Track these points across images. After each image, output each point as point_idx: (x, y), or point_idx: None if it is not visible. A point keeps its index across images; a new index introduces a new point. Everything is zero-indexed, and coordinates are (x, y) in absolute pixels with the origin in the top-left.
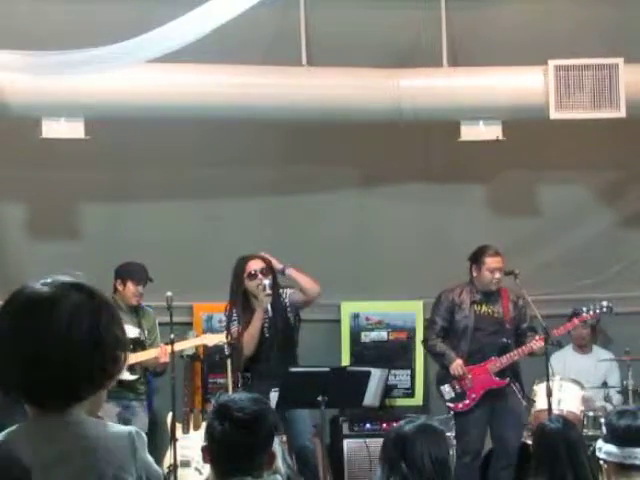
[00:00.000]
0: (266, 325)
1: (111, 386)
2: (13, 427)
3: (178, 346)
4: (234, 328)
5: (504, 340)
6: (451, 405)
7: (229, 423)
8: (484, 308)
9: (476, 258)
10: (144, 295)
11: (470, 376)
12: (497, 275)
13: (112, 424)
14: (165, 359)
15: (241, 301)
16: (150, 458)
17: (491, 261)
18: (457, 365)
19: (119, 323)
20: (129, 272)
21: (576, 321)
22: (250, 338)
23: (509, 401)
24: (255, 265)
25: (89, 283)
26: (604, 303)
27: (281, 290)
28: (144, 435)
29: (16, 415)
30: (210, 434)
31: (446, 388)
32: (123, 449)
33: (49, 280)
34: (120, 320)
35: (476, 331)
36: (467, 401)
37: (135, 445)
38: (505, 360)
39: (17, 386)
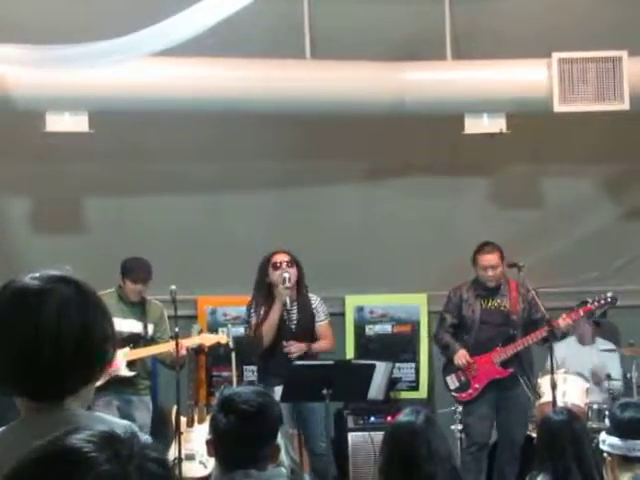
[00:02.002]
0: (286, 318)
1: (110, 381)
2: (11, 424)
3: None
4: (253, 321)
5: (510, 331)
6: (455, 395)
7: (233, 415)
8: (490, 302)
9: (472, 256)
10: (147, 290)
11: (475, 366)
12: (490, 273)
13: (108, 416)
14: (181, 352)
15: (265, 293)
16: None
17: (481, 259)
18: (460, 355)
19: (107, 317)
20: (129, 270)
21: (581, 312)
22: (267, 329)
23: (515, 394)
24: (280, 257)
25: (77, 277)
26: (609, 294)
27: (311, 296)
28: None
29: (10, 411)
30: (214, 427)
31: (452, 378)
32: None
33: (37, 274)
34: (108, 314)
35: (482, 324)
36: (470, 390)
37: None
38: (509, 350)
39: (9, 379)
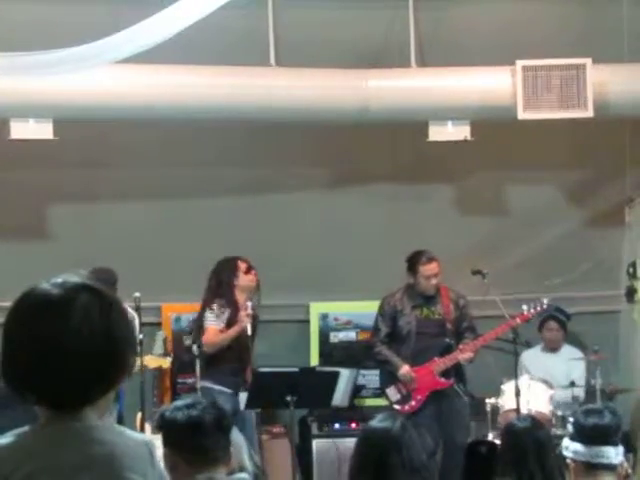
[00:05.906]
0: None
1: None
2: (24, 428)
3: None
4: (211, 326)
5: (446, 341)
6: (398, 407)
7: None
8: (425, 311)
9: (410, 265)
10: None
11: (415, 378)
12: (433, 281)
13: (126, 430)
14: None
15: (230, 299)
16: (162, 467)
17: (424, 269)
18: (405, 371)
19: (129, 323)
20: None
21: (518, 320)
22: (220, 342)
23: (454, 403)
24: (246, 262)
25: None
26: (544, 300)
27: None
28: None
29: (10, 416)
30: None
31: (391, 391)
32: (143, 457)
33: (59, 281)
34: (130, 321)
35: (419, 335)
36: (413, 402)
37: (153, 454)
38: (448, 360)
39: (29, 387)
